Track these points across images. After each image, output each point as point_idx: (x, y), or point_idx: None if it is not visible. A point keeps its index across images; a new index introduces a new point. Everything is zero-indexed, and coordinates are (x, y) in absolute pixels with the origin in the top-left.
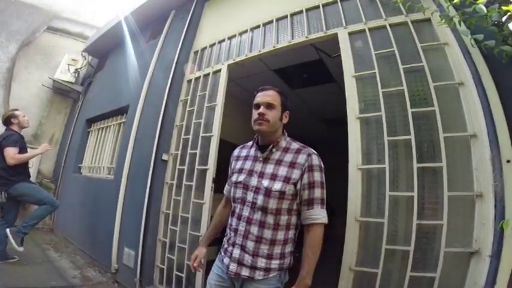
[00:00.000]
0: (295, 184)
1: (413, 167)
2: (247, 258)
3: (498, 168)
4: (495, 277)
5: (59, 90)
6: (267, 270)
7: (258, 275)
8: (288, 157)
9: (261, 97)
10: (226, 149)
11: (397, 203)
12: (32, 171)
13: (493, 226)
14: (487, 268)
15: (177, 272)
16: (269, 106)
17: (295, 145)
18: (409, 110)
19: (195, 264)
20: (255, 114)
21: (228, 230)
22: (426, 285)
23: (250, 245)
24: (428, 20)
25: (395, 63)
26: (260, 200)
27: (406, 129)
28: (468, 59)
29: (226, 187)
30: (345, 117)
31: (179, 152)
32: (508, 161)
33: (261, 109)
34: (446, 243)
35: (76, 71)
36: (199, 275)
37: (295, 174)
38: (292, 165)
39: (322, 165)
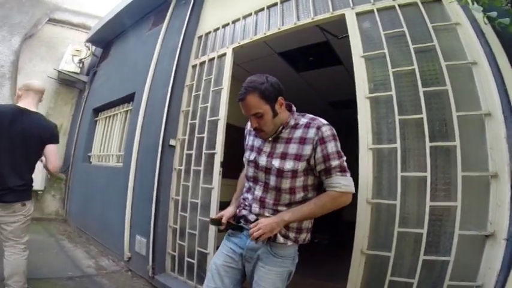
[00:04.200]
0: (308, 160)
1: (425, 146)
2: None
3: None
4: (511, 261)
5: (65, 81)
6: (286, 236)
7: (278, 239)
8: (298, 133)
9: (244, 110)
10: (232, 133)
11: (409, 184)
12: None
13: (509, 208)
14: (503, 252)
15: (188, 259)
16: (256, 116)
17: (304, 120)
18: (421, 89)
19: (219, 217)
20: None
21: (242, 200)
22: (439, 269)
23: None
24: (439, 0)
25: (405, 43)
26: (273, 180)
27: (417, 109)
28: (481, 39)
29: (244, 159)
30: (352, 99)
31: (186, 137)
32: None
33: (252, 122)
34: (460, 226)
35: (80, 61)
36: (209, 261)
37: (306, 150)
38: (302, 141)
39: (335, 133)
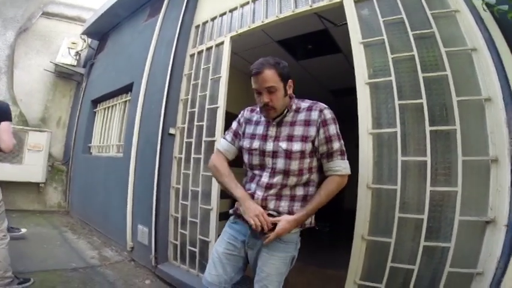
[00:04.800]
0: (313, 142)
1: (425, 131)
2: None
3: None
4: (511, 248)
5: (62, 74)
6: None
7: None
8: (301, 116)
9: (258, 83)
10: (231, 121)
11: (409, 168)
12: (43, 154)
13: (509, 193)
14: (503, 238)
15: (190, 247)
16: (270, 90)
17: (305, 104)
18: (420, 75)
19: (269, 224)
20: (258, 100)
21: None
22: (440, 256)
23: (271, 204)
24: None
25: (404, 30)
26: (281, 163)
27: (417, 94)
28: (481, 25)
29: (223, 143)
30: (353, 87)
31: (186, 126)
32: None
33: (264, 97)
34: (461, 212)
35: (77, 53)
36: (211, 249)
37: (311, 131)
38: (307, 123)
39: (335, 117)
